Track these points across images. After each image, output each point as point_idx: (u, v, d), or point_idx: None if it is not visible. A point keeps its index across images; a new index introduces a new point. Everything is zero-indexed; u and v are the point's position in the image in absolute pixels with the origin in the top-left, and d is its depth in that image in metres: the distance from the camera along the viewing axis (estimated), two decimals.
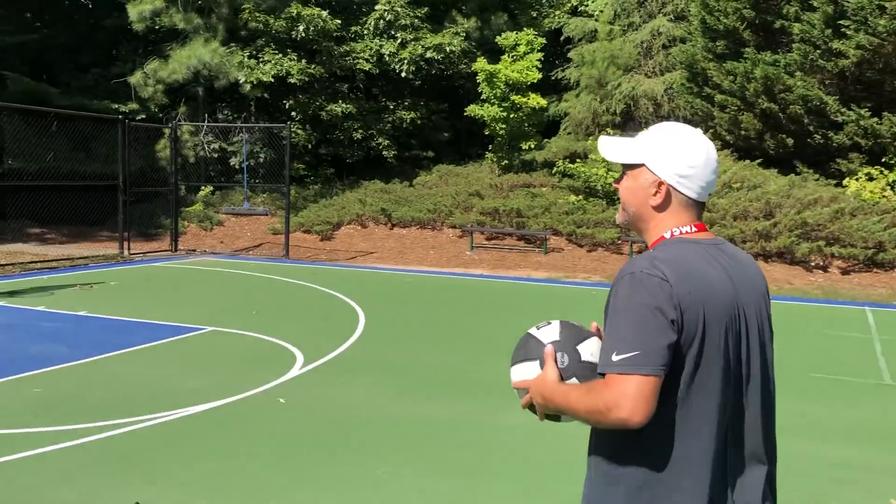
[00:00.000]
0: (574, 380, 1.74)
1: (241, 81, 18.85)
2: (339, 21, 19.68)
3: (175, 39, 19.40)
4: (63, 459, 4.50)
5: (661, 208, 1.81)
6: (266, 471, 4.42)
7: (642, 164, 1.81)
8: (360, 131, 19.89)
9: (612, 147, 1.89)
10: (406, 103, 20.92)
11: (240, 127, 18.99)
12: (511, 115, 18.61)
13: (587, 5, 21.94)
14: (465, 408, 5.75)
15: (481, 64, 18.48)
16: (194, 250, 16.74)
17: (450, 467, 4.56)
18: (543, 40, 19.44)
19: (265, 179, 19.86)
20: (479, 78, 18.60)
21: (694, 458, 1.68)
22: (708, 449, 1.68)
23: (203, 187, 20.29)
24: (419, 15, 20.08)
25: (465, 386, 6.39)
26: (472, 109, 18.98)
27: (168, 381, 6.29)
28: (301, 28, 18.76)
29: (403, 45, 19.79)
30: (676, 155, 1.77)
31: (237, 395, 5.90)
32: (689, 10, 18.82)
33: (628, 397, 1.58)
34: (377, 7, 19.74)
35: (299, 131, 19.86)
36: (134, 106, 19.62)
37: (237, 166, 19.61)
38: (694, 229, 1.80)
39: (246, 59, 19.17)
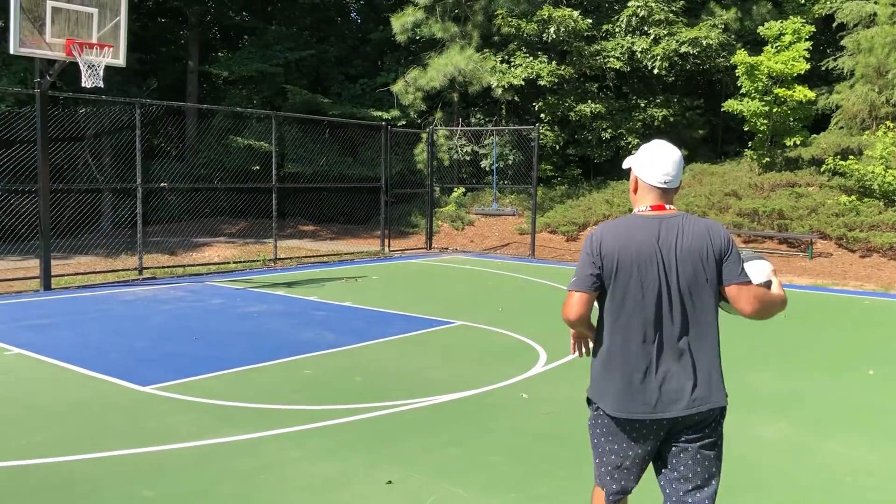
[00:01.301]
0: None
1: (493, 86, 19.41)
2: (589, 21, 19.57)
3: (433, 48, 20.44)
4: (325, 437, 4.93)
5: (634, 192, 2.89)
6: (507, 463, 4.51)
7: (630, 168, 2.93)
8: (609, 131, 19.62)
9: (626, 161, 2.97)
10: (658, 100, 20.29)
11: (490, 130, 19.57)
12: (774, 110, 17.34)
13: None
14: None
15: (741, 56, 17.41)
16: (446, 248, 17.54)
17: None
18: (812, 28, 17.87)
19: (513, 181, 20.29)
20: (739, 71, 17.54)
21: (618, 353, 2.75)
22: (629, 347, 2.73)
23: (455, 188, 21.19)
24: (674, 9, 19.38)
25: None
26: (731, 105, 17.94)
27: (420, 370, 6.65)
28: (552, 30, 18.91)
29: (656, 41, 19.22)
30: (641, 157, 2.85)
31: (483, 387, 6.09)
32: None
33: (568, 305, 2.81)
34: (630, 4, 19.34)
35: (547, 132, 20.03)
36: (396, 113, 20.98)
37: (487, 168, 20.23)
38: (647, 208, 2.81)
39: (498, 64, 19.70)
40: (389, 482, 4.18)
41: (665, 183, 2.79)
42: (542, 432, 5.08)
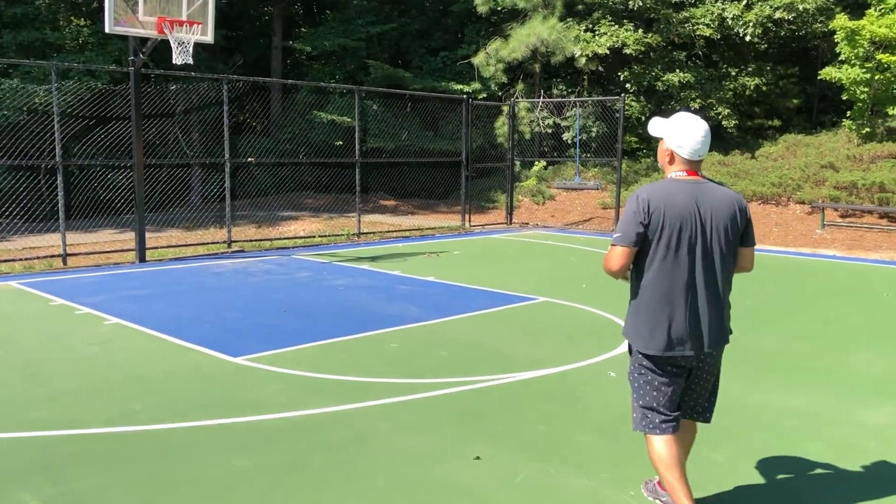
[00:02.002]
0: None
1: (576, 55, 19.00)
2: None
3: (515, 19, 20.12)
4: (413, 410, 4.93)
5: (669, 163, 3.28)
6: (597, 442, 4.42)
7: (661, 138, 3.30)
8: (698, 101, 18.95)
9: (653, 125, 3.33)
10: (750, 69, 19.47)
11: (574, 101, 19.20)
12: (876, 77, 16.40)
13: None
14: (821, 399, 5.21)
15: (841, 21, 16.50)
16: (527, 223, 17.37)
17: (796, 460, 4.16)
18: None
19: (597, 154, 19.88)
20: (838, 37, 16.64)
21: (664, 299, 3.18)
22: (674, 295, 3.17)
23: (537, 162, 20.93)
24: None
25: (820, 376, 5.80)
26: (828, 72, 17.07)
27: (504, 346, 6.59)
28: None
29: (748, 6, 18.40)
30: (677, 134, 3.21)
31: (568, 364, 5.99)
32: None
33: (612, 257, 3.21)
34: None
35: (633, 103, 19.52)
36: (476, 85, 20.80)
37: (570, 141, 19.88)
38: (683, 174, 3.23)
39: (582, 33, 19.25)
40: (477, 458, 4.15)
41: (699, 156, 3.24)
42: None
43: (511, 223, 17.19)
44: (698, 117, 3.25)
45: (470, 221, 16.57)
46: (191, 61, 9.98)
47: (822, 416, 4.92)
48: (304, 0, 26.38)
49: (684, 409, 3.43)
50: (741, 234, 3.28)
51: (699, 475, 3.80)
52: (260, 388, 5.32)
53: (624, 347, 6.48)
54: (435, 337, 6.85)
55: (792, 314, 8.11)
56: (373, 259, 11.64)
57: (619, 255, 3.20)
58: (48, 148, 11.45)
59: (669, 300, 3.18)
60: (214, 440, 4.36)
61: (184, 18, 10.05)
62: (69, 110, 14.76)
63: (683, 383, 3.34)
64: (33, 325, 7.12)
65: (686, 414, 3.45)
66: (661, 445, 3.27)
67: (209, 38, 10.49)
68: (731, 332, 3.38)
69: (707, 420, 3.49)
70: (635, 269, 3.27)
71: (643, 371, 3.32)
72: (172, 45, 9.92)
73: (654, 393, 3.29)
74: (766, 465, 4.13)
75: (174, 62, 9.90)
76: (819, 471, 4.08)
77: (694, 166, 3.24)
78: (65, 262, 10.62)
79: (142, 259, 10.85)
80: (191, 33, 9.98)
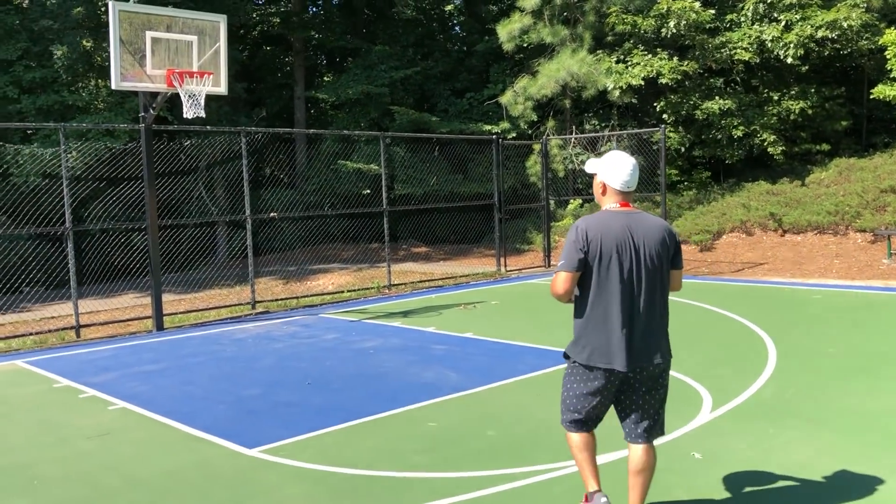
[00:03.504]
0: None
1: (609, 88, 18.21)
2: (712, 11, 18.08)
3: (542, 55, 19.45)
4: None
5: (603, 195, 3.71)
6: None
7: (595, 174, 3.77)
8: (741, 128, 17.98)
9: (588, 164, 3.82)
10: (793, 92, 18.50)
11: (609, 135, 18.36)
12: None
13: None
14: None
15: (891, 36, 15.55)
16: None
17: None
18: None
19: (636, 188, 18.92)
20: (889, 53, 15.66)
21: (600, 318, 3.53)
22: (609, 314, 3.51)
23: (571, 200, 20.06)
24: None
25: None
26: (880, 91, 16.05)
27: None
28: (671, 24, 17.55)
29: (788, 27, 17.51)
30: (608, 169, 3.67)
31: None
32: None
33: (557, 282, 3.58)
34: None
35: (671, 134, 18.62)
36: (505, 125, 20.09)
37: None
38: (617, 205, 3.65)
39: (613, 65, 18.49)
40: None
41: (628, 187, 3.62)
42: (726, 498, 4.00)
43: (549, 266, 16.27)
44: (627, 154, 3.68)
45: (505, 266, 15.70)
46: (203, 114, 9.35)
47: None
48: (326, 48, 26.05)
49: (627, 432, 3.71)
50: (671, 257, 3.63)
51: None
52: (278, 492, 4.45)
53: (704, 417, 5.50)
54: (479, 410, 5.95)
55: (891, 363, 7.06)
56: (405, 314, 10.80)
57: (563, 280, 3.56)
58: (64, 212, 10.89)
59: (605, 318, 3.51)
60: None
61: (195, 69, 9.45)
62: (85, 172, 14.31)
63: (612, 397, 3.68)
64: (29, 415, 6.35)
65: (629, 437, 3.69)
66: (577, 439, 3.77)
67: (222, 89, 9.87)
68: (671, 355, 3.69)
69: (647, 440, 3.64)
70: (578, 291, 3.62)
71: (574, 377, 3.70)
72: (183, 98, 9.30)
73: (581, 398, 3.67)
74: None
75: (185, 116, 9.27)
76: None
77: (626, 198, 3.66)
78: (78, 335, 9.94)
79: (159, 327, 10.13)
80: (202, 84, 9.36)
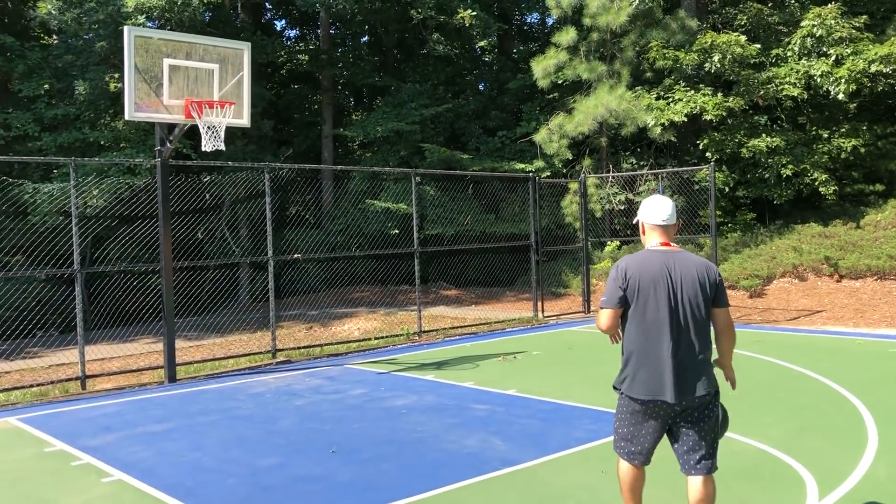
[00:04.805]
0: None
1: (649, 125, 17.38)
2: (757, 46, 17.27)
3: (577, 92, 18.72)
4: None
5: (644, 234, 3.92)
6: None
7: (638, 218, 3.99)
8: (790, 167, 17.01)
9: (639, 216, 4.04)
10: (842, 130, 17.55)
11: (650, 174, 17.48)
12: None
13: None
14: None
15: None
16: None
17: None
18: None
19: (678, 230, 17.96)
20: None
21: (641, 351, 3.69)
22: (650, 348, 3.66)
23: (609, 242, 19.11)
24: (857, 24, 16.77)
25: None
26: None
27: None
28: (715, 59, 16.75)
29: (839, 62, 16.63)
30: (645, 208, 3.90)
31: None
32: None
33: (601, 318, 3.78)
34: (803, 24, 16.92)
35: (716, 173, 17.68)
36: (539, 163, 19.31)
37: None
38: (657, 244, 3.84)
39: (654, 101, 17.68)
40: None
41: (664, 220, 3.85)
42: None
43: (589, 312, 15.29)
44: (664, 196, 3.92)
45: (543, 312, 14.74)
46: (223, 147, 8.62)
47: None
48: (355, 86, 25.56)
49: (682, 464, 3.74)
50: (713, 296, 3.73)
51: None
52: None
53: None
54: (536, 491, 5.00)
55: None
56: (438, 366, 9.88)
57: (606, 316, 3.77)
58: (84, 253, 10.20)
59: (647, 352, 3.66)
60: None
61: (215, 99, 8.75)
62: (104, 211, 13.70)
63: (661, 428, 3.74)
64: (10, 488, 5.49)
65: (684, 468, 3.72)
66: (624, 468, 3.84)
67: (245, 120, 9.16)
68: (716, 386, 3.72)
69: (707, 471, 3.67)
70: (622, 327, 3.79)
71: (622, 407, 3.80)
72: (201, 130, 8.59)
73: (630, 427, 3.77)
74: None
75: (203, 148, 8.55)
76: None
77: (667, 236, 3.85)
78: (84, 386, 9.13)
79: (171, 379, 9.29)
80: (223, 115, 8.65)
